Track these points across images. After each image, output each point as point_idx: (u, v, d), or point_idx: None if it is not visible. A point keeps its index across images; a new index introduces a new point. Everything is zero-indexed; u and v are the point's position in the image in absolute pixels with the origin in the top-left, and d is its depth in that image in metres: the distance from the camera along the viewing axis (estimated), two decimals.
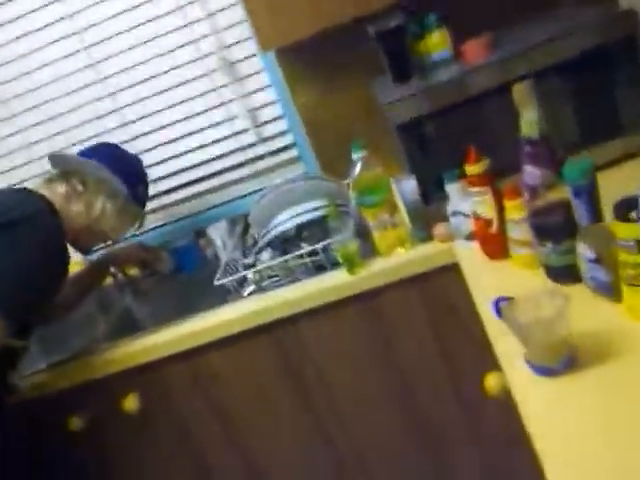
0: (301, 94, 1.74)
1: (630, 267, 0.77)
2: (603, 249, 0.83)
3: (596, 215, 0.87)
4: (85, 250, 1.49)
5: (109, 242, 1.58)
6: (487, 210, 1.08)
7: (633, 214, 0.74)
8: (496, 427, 1.36)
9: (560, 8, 1.42)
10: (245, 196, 1.88)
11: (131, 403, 1.41)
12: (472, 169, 1.07)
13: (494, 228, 1.08)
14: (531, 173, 0.91)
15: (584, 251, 0.86)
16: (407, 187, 1.28)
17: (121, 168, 1.43)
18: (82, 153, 1.46)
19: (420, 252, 1.29)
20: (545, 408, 0.74)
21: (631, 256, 0.76)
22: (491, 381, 1.04)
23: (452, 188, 1.18)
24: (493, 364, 0.99)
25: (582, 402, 0.72)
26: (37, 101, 1.81)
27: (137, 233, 1.73)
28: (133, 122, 1.82)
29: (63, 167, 1.40)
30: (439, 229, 1.28)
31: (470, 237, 1.19)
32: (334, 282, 1.32)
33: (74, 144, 1.83)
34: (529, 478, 0.87)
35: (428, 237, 1.30)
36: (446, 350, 1.35)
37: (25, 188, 1.33)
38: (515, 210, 1.01)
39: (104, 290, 1.79)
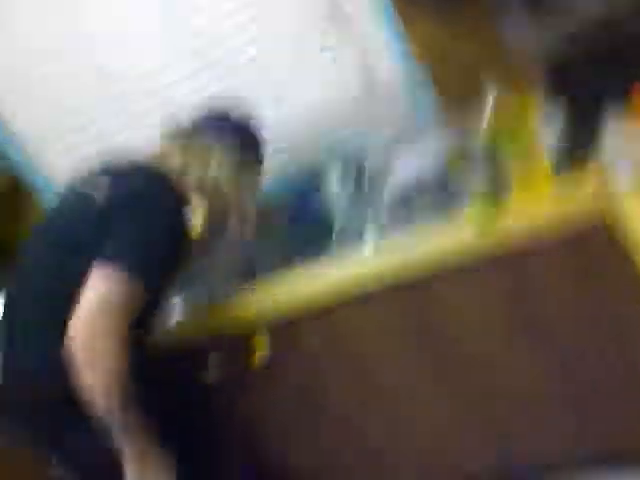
0: (417, 29, 1.53)
1: None
2: None
3: None
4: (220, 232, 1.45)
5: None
6: None
7: None
8: None
9: None
10: (360, 139, 1.74)
11: (261, 356, 1.40)
12: None
13: None
14: None
15: None
16: (552, 127, 1.08)
17: (237, 134, 1.37)
18: (198, 122, 1.40)
19: (569, 207, 1.10)
20: None
21: None
22: None
23: (614, 127, 0.97)
24: None
25: None
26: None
27: None
28: (238, 68, 1.73)
29: (180, 140, 1.37)
30: (594, 178, 1.07)
31: (635, 188, 0.99)
32: (465, 240, 1.18)
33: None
34: None
35: (577, 188, 1.10)
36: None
37: (147, 167, 1.31)
38: None
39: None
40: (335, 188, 1.69)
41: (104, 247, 1.12)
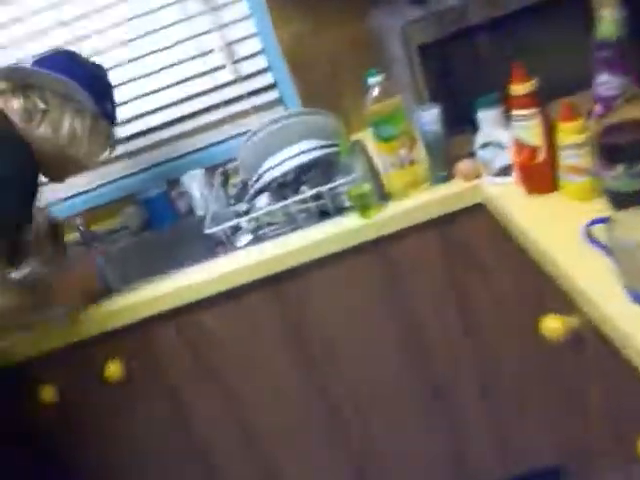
0: (285, 27, 1.56)
1: None
2: None
3: None
4: (58, 180, 1.28)
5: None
6: (534, 136, 0.95)
7: None
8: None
9: None
10: (222, 142, 1.69)
11: (114, 369, 1.23)
12: (518, 88, 0.94)
13: (542, 156, 0.96)
14: (606, 82, 0.79)
15: None
16: (427, 117, 1.14)
17: (84, 80, 1.19)
18: (36, 62, 1.18)
19: (441, 192, 1.16)
20: None
21: None
22: (548, 323, 0.93)
23: (486, 115, 1.06)
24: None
25: None
26: None
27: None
28: (94, 55, 1.58)
29: (17, 80, 1.15)
30: (463, 165, 1.15)
31: (503, 172, 1.08)
32: (344, 228, 1.17)
33: None
34: None
35: (449, 176, 1.17)
36: (465, 304, 1.24)
37: None
38: (572, 133, 0.89)
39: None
40: (195, 191, 1.59)
41: None
